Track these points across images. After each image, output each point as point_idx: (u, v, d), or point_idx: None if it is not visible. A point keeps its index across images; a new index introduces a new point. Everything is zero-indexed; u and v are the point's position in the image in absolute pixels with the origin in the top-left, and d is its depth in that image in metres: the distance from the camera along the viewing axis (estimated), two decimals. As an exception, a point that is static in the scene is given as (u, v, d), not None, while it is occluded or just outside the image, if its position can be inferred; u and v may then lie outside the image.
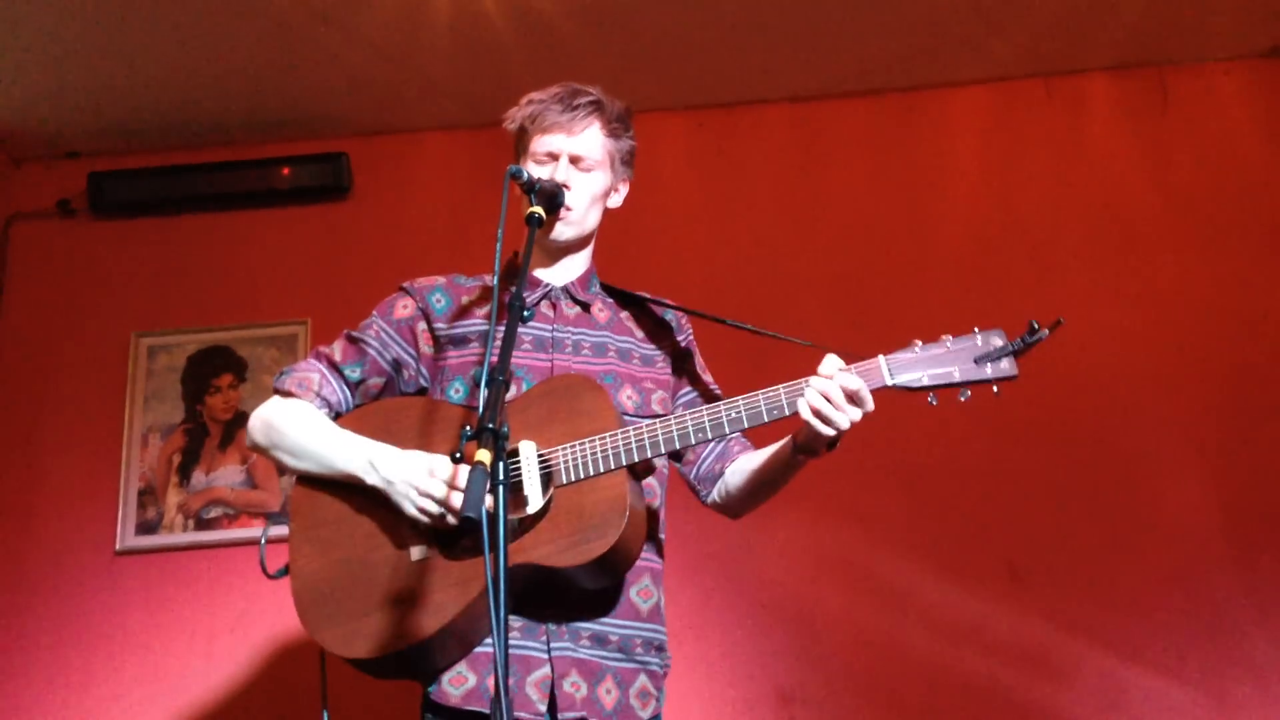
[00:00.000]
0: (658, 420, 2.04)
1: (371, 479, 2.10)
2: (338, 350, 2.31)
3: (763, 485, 2.27)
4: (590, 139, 2.29)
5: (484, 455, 1.71)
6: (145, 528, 4.02)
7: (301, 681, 3.78)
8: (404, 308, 2.34)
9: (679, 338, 2.40)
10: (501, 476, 1.72)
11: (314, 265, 4.35)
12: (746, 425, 2.04)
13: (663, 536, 2.28)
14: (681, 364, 2.38)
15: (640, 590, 2.17)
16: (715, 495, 2.35)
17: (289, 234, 4.40)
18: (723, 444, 2.34)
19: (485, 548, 1.66)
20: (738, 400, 2.04)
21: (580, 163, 2.28)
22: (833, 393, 1.97)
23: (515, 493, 2.04)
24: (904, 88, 4.39)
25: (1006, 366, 2.03)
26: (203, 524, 4.01)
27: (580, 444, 2.04)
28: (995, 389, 2.02)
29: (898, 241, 4.24)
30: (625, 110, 2.36)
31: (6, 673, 3.87)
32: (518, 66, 4.13)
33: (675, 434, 2.03)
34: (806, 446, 2.10)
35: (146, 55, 4.01)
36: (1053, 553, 3.81)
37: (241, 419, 4.13)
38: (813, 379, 1.99)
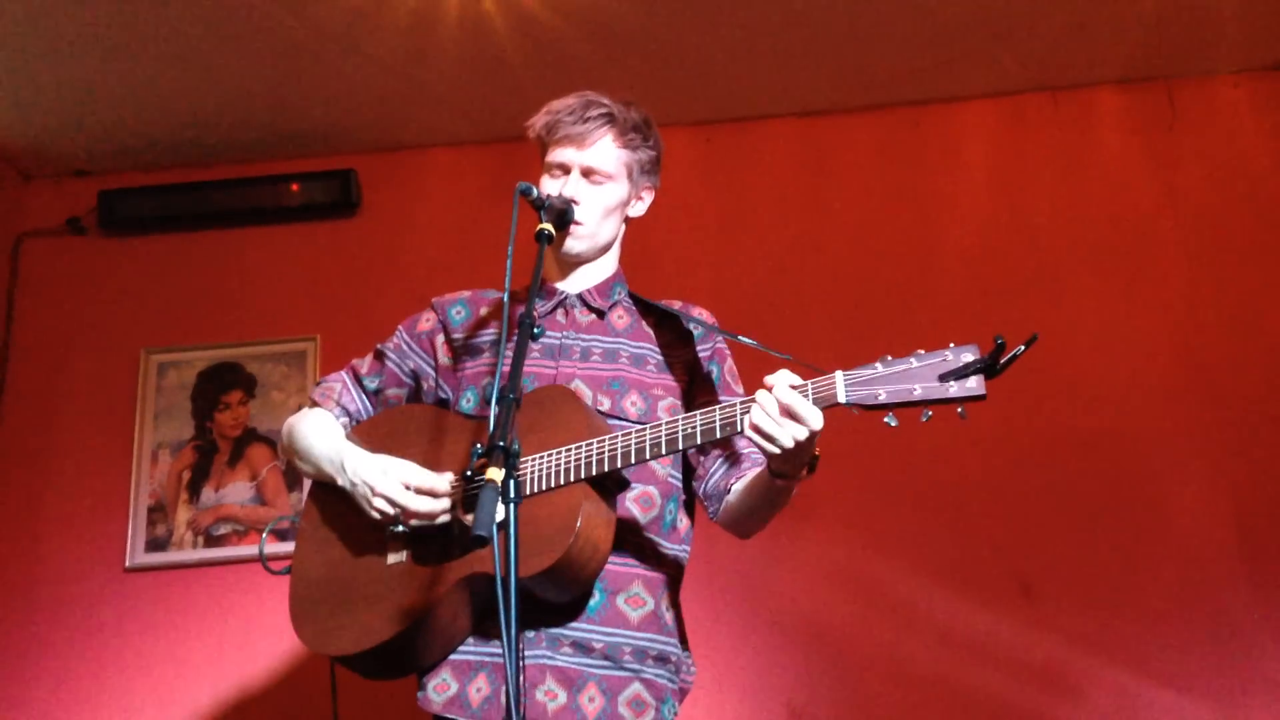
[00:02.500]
0: (619, 435, 2.00)
1: (341, 480, 2.17)
2: (365, 363, 2.41)
3: (754, 507, 2.18)
4: (602, 151, 2.27)
5: (495, 473, 1.72)
6: (155, 544, 4.02)
7: (310, 698, 3.77)
8: (426, 321, 2.40)
9: (700, 347, 2.33)
10: (514, 495, 1.72)
11: (323, 281, 4.36)
12: (700, 440, 1.96)
13: (672, 546, 2.22)
14: (700, 374, 2.32)
15: (629, 598, 2.12)
16: (721, 512, 2.27)
17: (298, 250, 4.42)
18: (730, 461, 2.27)
19: (497, 567, 1.67)
20: (695, 415, 1.97)
21: (592, 175, 2.26)
22: (769, 407, 1.87)
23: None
24: (912, 102, 4.40)
25: (974, 385, 1.79)
26: (212, 541, 4.01)
27: (547, 455, 2.03)
28: (960, 410, 1.82)
29: (906, 255, 4.24)
30: (642, 120, 2.33)
31: (16, 689, 3.87)
32: (526, 82, 4.14)
33: (632, 448, 1.97)
34: (779, 470, 2.01)
35: (155, 73, 4.03)
36: (1064, 568, 3.79)
37: (251, 435, 4.14)
38: (758, 393, 1.90)
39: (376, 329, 4.15)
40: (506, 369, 1.91)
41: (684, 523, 2.27)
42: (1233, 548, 3.77)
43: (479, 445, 1.79)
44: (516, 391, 1.85)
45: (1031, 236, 4.23)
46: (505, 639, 1.66)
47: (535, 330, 1.99)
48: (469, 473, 1.77)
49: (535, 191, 2.18)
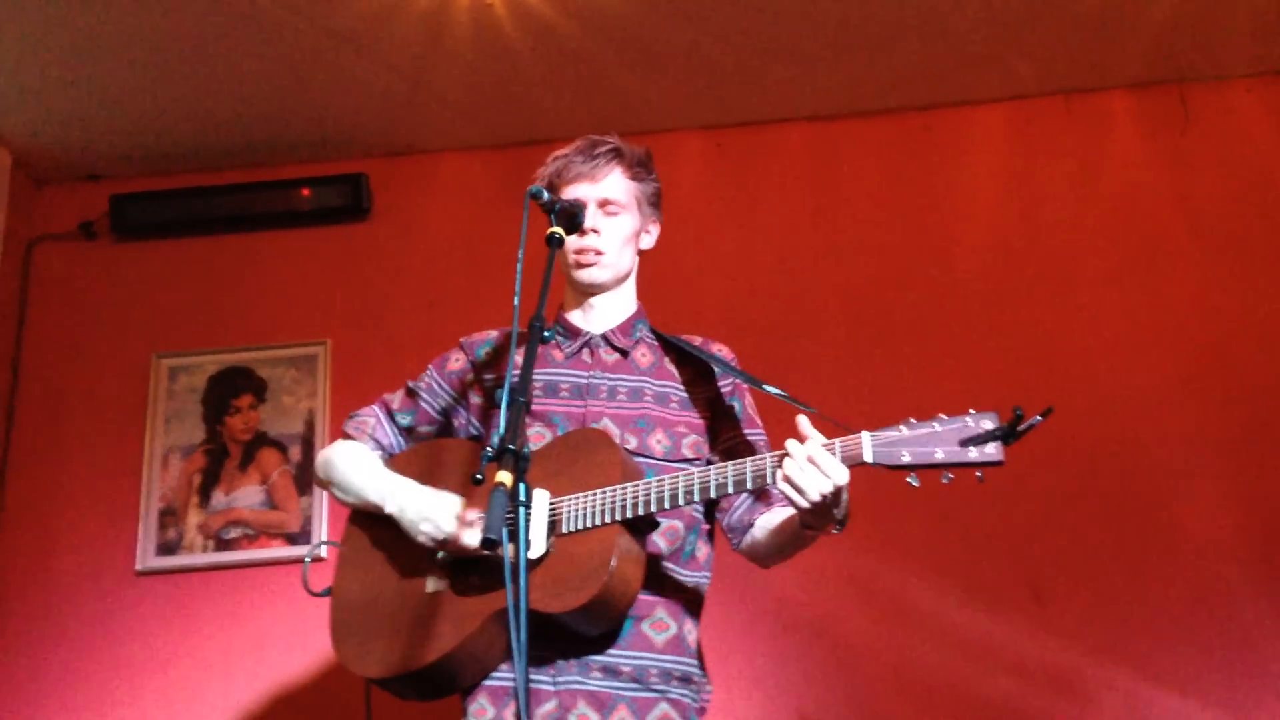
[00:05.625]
0: (654, 482, 2.08)
1: (388, 509, 2.24)
2: (397, 399, 2.49)
3: (780, 547, 2.28)
4: (614, 183, 2.37)
5: (504, 476, 1.72)
6: (165, 548, 4.03)
7: (319, 702, 3.77)
8: (455, 361, 2.48)
9: (722, 384, 2.41)
10: (523, 496, 1.73)
11: (334, 286, 4.37)
12: (731, 491, 2.06)
13: (692, 574, 2.29)
14: (722, 410, 2.40)
15: (653, 623, 2.20)
16: (744, 545, 2.37)
17: (309, 255, 4.42)
18: (755, 497, 2.35)
19: (506, 569, 1.70)
20: (727, 466, 2.06)
21: (607, 206, 2.36)
22: (799, 460, 1.97)
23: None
24: (923, 106, 4.39)
25: (993, 451, 1.93)
26: (223, 544, 4.02)
27: (584, 496, 2.10)
28: (979, 474, 1.96)
29: (917, 260, 4.22)
30: (645, 154, 2.45)
31: (27, 693, 3.88)
32: (536, 88, 4.15)
33: (666, 494, 2.06)
34: (809, 524, 2.10)
35: (167, 78, 4.04)
36: (1076, 574, 3.78)
37: (261, 439, 4.15)
38: (789, 444, 2.00)
39: (387, 333, 4.22)
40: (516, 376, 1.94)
41: (703, 551, 2.34)
42: (1245, 553, 3.75)
43: (488, 449, 1.82)
44: (526, 394, 1.89)
45: (1044, 241, 4.21)
46: (515, 648, 1.68)
47: (545, 334, 2.07)
48: (477, 476, 1.78)
49: (546, 195, 2.24)
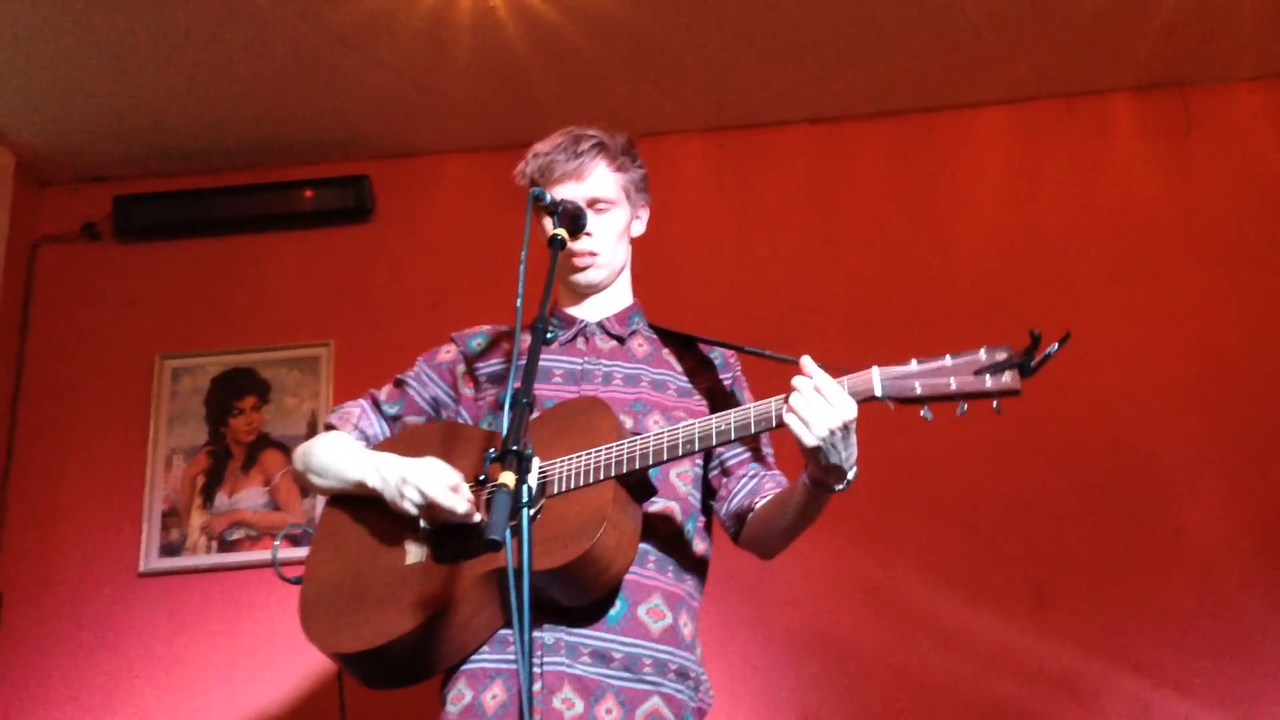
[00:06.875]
0: (650, 435, 2.03)
1: (372, 481, 2.17)
2: (384, 391, 2.46)
3: (785, 518, 2.17)
4: (600, 179, 2.32)
5: (507, 477, 1.72)
6: (168, 549, 4.03)
7: (323, 704, 3.77)
8: (446, 353, 2.45)
9: (723, 376, 2.38)
10: (525, 499, 1.72)
11: (337, 287, 4.37)
12: (734, 436, 1.99)
13: (690, 563, 2.23)
14: (723, 402, 2.35)
15: (649, 609, 2.13)
16: (746, 531, 2.27)
17: (312, 256, 4.43)
18: (754, 480, 2.27)
19: (510, 570, 1.69)
20: (729, 412, 2.00)
21: (596, 205, 2.32)
22: (805, 390, 1.90)
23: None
24: (925, 108, 4.39)
25: (1008, 380, 1.86)
26: (225, 546, 4.02)
27: (576, 457, 2.05)
28: (995, 405, 1.88)
29: (919, 262, 4.23)
30: (628, 141, 2.40)
31: (30, 693, 3.88)
32: (539, 89, 4.15)
33: (665, 445, 2.00)
34: (816, 477, 2.01)
35: (170, 80, 4.05)
36: (1079, 576, 3.77)
37: (264, 441, 4.15)
38: (795, 379, 1.93)
39: (390, 334, 4.22)
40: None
41: (700, 546, 2.28)
42: (1248, 556, 3.75)
43: (491, 450, 1.82)
44: (529, 395, 1.87)
45: (1046, 244, 4.21)
46: (518, 638, 1.67)
47: (548, 335, 2.03)
48: (481, 477, 1.78)
49: (548, 197, 2.21)
